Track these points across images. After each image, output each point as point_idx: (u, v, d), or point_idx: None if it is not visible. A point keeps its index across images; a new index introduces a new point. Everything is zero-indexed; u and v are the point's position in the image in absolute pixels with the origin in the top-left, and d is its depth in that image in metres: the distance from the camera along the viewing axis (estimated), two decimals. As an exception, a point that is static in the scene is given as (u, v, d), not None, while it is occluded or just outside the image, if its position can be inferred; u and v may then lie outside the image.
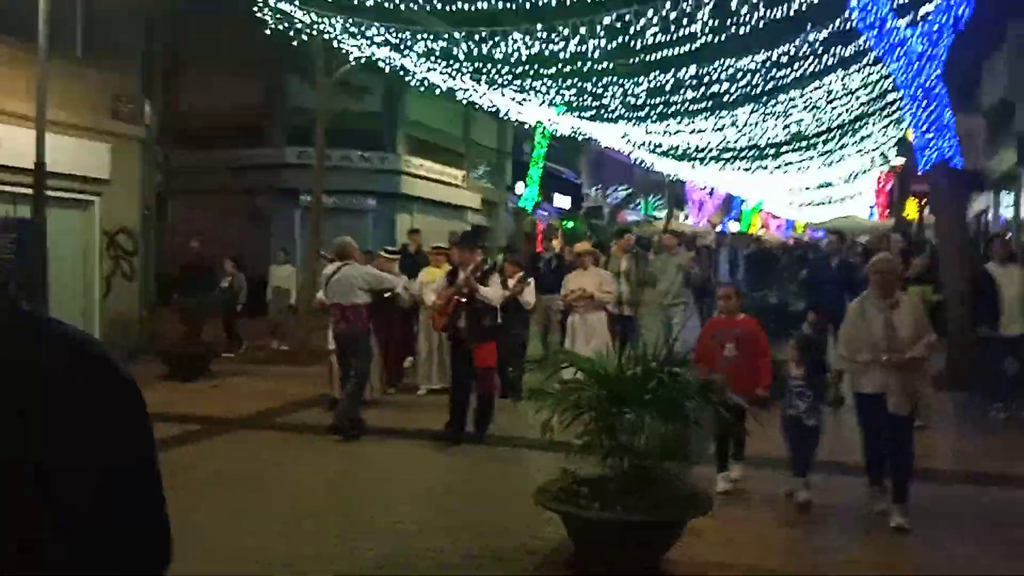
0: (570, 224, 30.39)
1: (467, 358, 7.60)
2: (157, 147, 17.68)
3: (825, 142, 22.78)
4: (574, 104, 13.96)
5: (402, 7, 9.80)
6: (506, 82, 12.91)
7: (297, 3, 11.03)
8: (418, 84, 14.33)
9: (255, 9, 11.15)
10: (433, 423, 8.18)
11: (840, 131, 21.37)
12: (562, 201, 35.21)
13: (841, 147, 24.04)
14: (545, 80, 12.56)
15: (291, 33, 11.31)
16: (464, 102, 17.32)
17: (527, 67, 11.82)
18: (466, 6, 9.66)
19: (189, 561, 5.01)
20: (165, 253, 19.04)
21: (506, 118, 20.41)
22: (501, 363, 9.57)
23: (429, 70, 13.72)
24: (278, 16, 11.07)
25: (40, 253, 10.23)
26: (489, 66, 12.13)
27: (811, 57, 11.97)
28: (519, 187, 27.77)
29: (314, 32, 11.31)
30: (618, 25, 9.62)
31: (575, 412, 4.49)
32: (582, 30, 9.67)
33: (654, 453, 4.44)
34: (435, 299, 8.12)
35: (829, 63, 12.52)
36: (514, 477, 6.60)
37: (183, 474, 6.68)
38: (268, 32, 11.31)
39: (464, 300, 7.51)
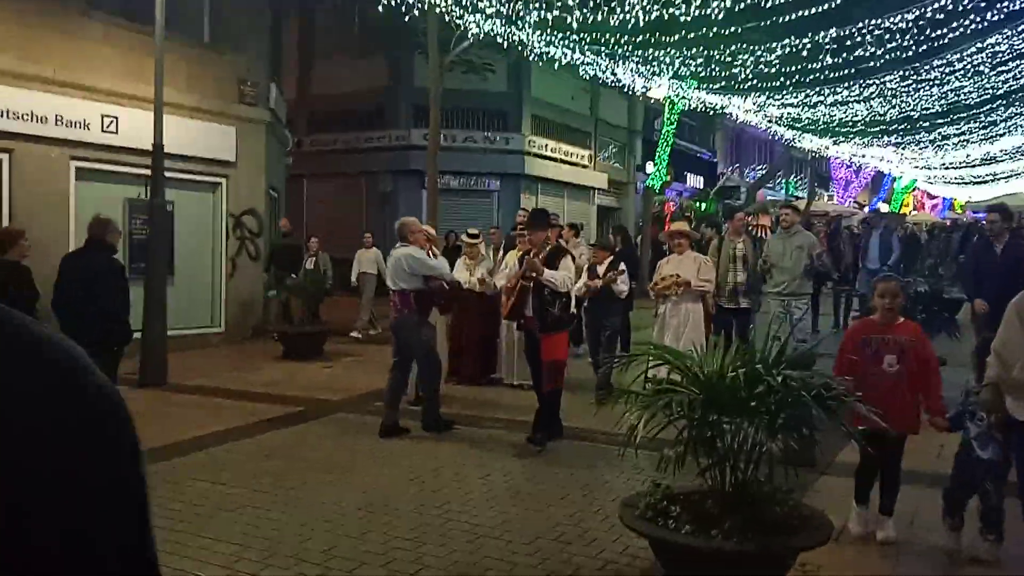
0: (702, 205, 29.14)
1: (533, 351, 6.98)
2: (286, 130, 18.03)
3: (988, 113, 20.58)
4: (702, 75, 13.03)
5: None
6: (627, 53, 12.16)
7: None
8: (536, 59, 13.76)
9: (368, -18, 10.90)
10: (519, 415, 7.70)
11: (1007, 100, 19.20)
12: (696, 181, 33.91)
13: (1008, 119, 21.68)
14: (668, 50, 11.72)
15: (403, 9, 10.98)
16: (588, 78, 16.65)
17: (647, 35, 11.04)
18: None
19: (253, 553, 4.80)
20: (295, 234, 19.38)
21: (633, 94, 19.59)
22: (594, 355, 8.86)
23: (548, 44, 13.15)
24: (390, -11, 10.79)
25: (165, 233, 10.40)
26: (607, 36, 11.43)
27: (972, 14, 10.54)
28: (649, 167, 26.82)
29: (424, 5, 10.95)
30: (745, -18, 8.70)
31: (666, 417, 3.87)
32: (704, -10, 8.82)
33: (759, 469, 3.77)
34: (504, 284, 7.49)
35: (995, 19, 11.01)
36: (606, 479, 6.02)
37: (268, 460, 6.52)
38: (380, 8, 11.03)
39: (531, 285, 6.79)
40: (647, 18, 9.73)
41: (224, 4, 13.92)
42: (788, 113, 18.49)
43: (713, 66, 12.36)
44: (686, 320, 8.04)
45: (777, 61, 11.98)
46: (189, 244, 13.28)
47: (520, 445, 6.95)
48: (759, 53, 11.68)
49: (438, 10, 11.26)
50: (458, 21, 12.87)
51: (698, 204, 29.28)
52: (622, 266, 8.51)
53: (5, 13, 10.80)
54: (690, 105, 20.29)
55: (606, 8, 9.72)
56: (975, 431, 4.49)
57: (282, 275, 13.34)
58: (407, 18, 11.23)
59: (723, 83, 13.77)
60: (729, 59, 11.98)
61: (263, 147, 14.63)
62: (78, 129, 11.66)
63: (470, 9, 10.98)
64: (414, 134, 21.43)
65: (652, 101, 22.22)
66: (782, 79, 13.27)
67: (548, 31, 11.77)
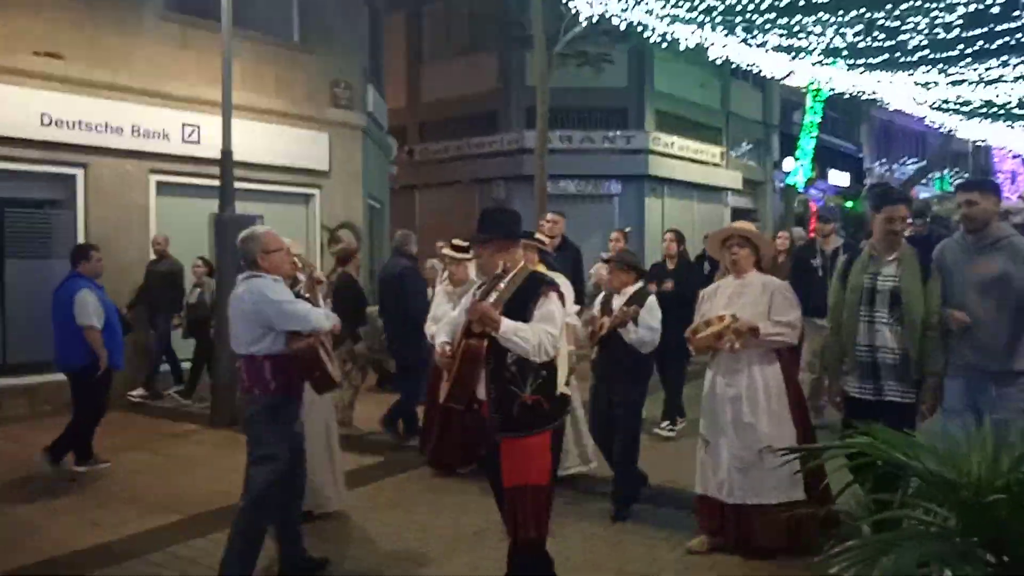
0: (849, 204, 26.31)
1: (493, 464, 3.81)
2: (388, 136, 16.92)
3: None
4: (860, 47, 10.88)
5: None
6: (768, 24, 10.19)
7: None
8: (660, 40, 11.95)
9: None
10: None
11: None
12: (839, 178, 31.01)
13: None
14: (820, 15, 9.70)
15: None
16: (720, 63, 14.68)
17: (795, -2, 9.08)
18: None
19: None
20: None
21: (771, 81, 17.39)
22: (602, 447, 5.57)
23: (671, 21, 11.34)
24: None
25: (231, 250, 9.22)
26: (745, 2, 9.52)
27: None
28: (787, 163, 24.33)
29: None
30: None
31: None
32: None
33: None
34: (441, 345, 3.97)
35: None
36: None
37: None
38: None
39: (484, 347, 3.67)
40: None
41: (314, 2, 12.84)
42: (959, 95, 15.83)
43: (876, 33, 10.20)
44: (753, 396, 4.59)
45: (960, 22, 9.71)
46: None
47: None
48: (936, 12, 9.47)
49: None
50: (567, 3, 11.30)
51: (847, 203, 26.47)
52: (651, 300, 5.26)
53: (74, 16, 9.99)
54: (837, 88, 17.86)
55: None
56: None
57: (155, 312, 10.13)
58: (516, 6, 9.67)
59: (886, 55, 11.50)
60: (897, 22, 9.81)
61: (359, 154, 13.46)
62: (157, 140, 10.77)
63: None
64: (527, 137, 19.93)
65: (797, 91, 19.86)
66: (961, 46, 10.91)
67: (672, 4, 9.97)
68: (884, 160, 37.68)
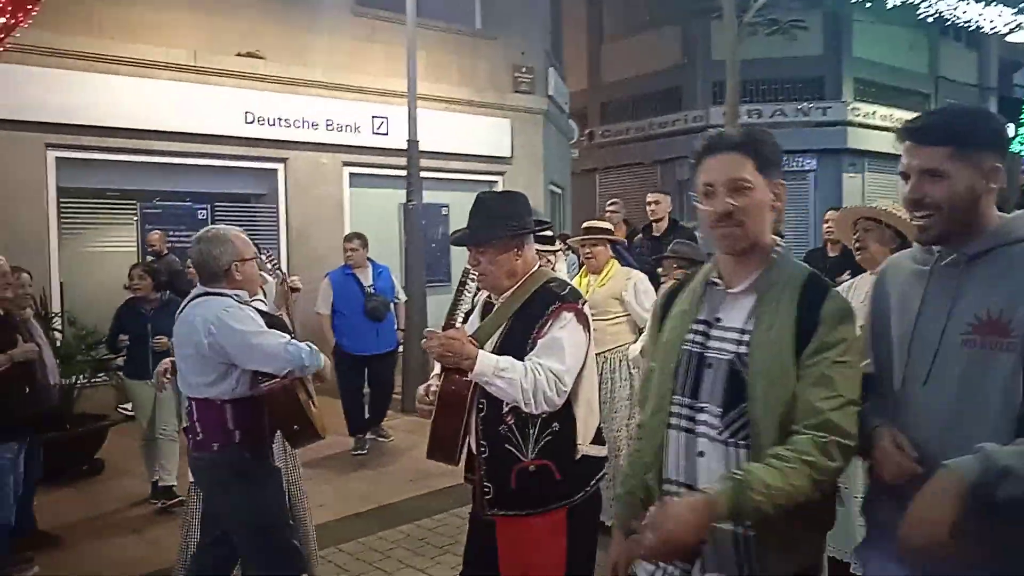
0: (1086, 172, 23.28)
1: (487, 550, 2.66)
2: (569, 120, 16.72)
3: None
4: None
5: None
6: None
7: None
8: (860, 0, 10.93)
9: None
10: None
11: None
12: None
13: None
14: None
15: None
16: (931, 21, 13.32)
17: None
18: None
19: None
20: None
21: (991, 34, 15.56)
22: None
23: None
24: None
25: (419, 239, 9.37)
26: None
27: None
28: (1009, 129, 21.88)
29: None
30: None
31: None
32: None
33: None
34: (425, 386, 2.83)
35: None
36: None
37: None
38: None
39: (469, 393, 2.60)
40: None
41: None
42: None
43: None
44: None
45: None
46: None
47: None
48: None
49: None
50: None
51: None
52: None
53: (271, 16, 10.48)
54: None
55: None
56: None
57: None
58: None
59: None
60: None
61: (540, 139, 13.35)
62: (349, 132, 11.13)
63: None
64: (713, 113, 19.10)
65: (1011, 49, 17.74)
66: None
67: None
68: None
